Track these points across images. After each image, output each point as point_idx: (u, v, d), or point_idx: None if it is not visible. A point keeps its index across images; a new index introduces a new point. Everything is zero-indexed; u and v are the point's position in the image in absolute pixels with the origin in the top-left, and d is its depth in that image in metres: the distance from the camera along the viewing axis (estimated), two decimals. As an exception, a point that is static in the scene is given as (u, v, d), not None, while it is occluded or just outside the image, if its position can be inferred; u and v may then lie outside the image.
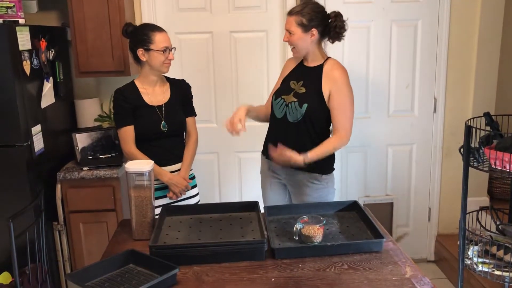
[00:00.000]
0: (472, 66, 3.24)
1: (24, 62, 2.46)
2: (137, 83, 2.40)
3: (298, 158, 2.14)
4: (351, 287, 1.53)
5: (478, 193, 3.32)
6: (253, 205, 2.05)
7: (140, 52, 2.31)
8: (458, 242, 2.21)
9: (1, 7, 2.43)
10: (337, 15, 2.23)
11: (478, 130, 2.06)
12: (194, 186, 2.55)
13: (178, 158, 2.46)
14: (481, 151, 2.10)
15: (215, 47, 3.21)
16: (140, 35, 2.31)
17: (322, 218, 1.77)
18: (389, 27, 3.20)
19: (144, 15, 3.09)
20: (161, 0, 3.12)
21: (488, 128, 2.15)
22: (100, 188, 2.73)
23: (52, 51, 2.79)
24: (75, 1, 2.75)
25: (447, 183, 3.41)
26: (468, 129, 2.07)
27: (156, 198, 2.35)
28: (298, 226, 1.76)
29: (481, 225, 2.30)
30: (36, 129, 2.57)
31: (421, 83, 3.29)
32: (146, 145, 2.37)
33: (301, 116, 2.24)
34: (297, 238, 1.77)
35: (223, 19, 3.17)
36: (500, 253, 2.08)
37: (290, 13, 2.24)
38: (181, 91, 2.48)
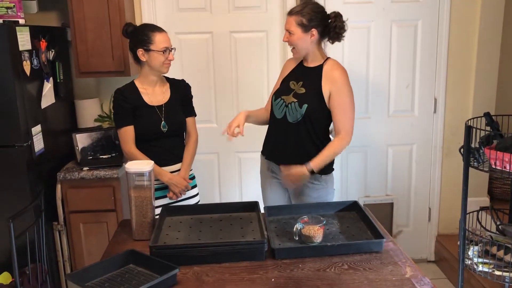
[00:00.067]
0: (472, 66, 3.24)
1: (24, 63, 2.46)
2: (137, 83, 2.40)
3: (304, 170, 2.19)
4: (351, 287, 1.53)
5: (478, 193, 3.32)
6: (253, 205, 2.05)
7: (140, 52, 2.31)
8: (458, 242, 2.21)
9: (1, 7, 2.43)
10: (337, 16, 2.23)
11: (478, 130, 2.05)
12: (194, 186, 2.55)
13: (178, 158, 2.46)
14: (481, 151, 2.10)
15: (215, 47, 3.21)
16: (140, 35, 2.31)
17: (322, 218, 1.77)
18: (389, 27, 3.20)
19: (144, 15, 3.09)
20: (161, 0, 3.12)
21: (488, 128, 2.15)
22: (100, 188, 2.73)
23: (52, 51, 2.79)
24: (75, 1, 2.75)
25: (447, 183, 3.41)
26: (468, 129, 2.07)
27: (156, 198, 2.35)
28: (298, 226, 1.76)
29: (481, 225, 2.30)
30: (36, 129, 2.57)
31: (421, 83, 3.29)
32: (146, 145, 2.37)
33: (301, 116, 2.24)
34: (297, 238, 1.77)
35: (223, 19, 3.17)
36: (500, 253, 2.07)
37: (290, 13, 2.24)
38: (181, 91, 2.48)
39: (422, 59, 3.25)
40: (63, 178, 2.72)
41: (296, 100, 2.25)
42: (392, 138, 3.37)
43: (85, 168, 2.76)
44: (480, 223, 2.31)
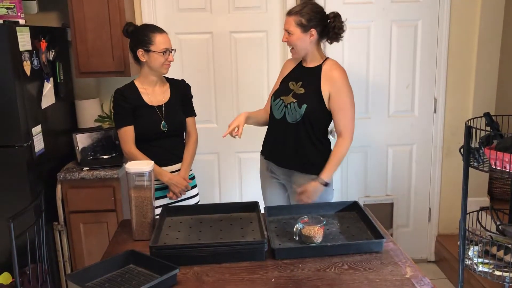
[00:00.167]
0: (472, 66, 3.24)
1: (25, 63, 2.46)
2: (136, 83, 2.40)
3: (317, 185, 2.23)
4: (351, 287, 1.53)
5: (478, 193, 3.32)
6: (253, 206, 2.05)
7: (140, 52, 2.31)
8: (458, 243, 2.21)
9: (2, 7, 2.43)
10: (336, 16, 2.23)
11: (478, 130, 2.06)
12: (194, 186, 2.55)
13: (178, 158, 2.46)
14: (481, 151, 2.10)
15: (215, 47, 3.21)
16: (141, 36, 2.31)
17: (322, 218, 1.77)
18: (389, 28, 3.20)
19: (144, 15, 3.09)
20: (161, 0, 3.12)
21: (488, 128, 2.15)
22: (100, 189, 2.73)
23: (52, 52, 2.79)
24: (75, 2, 2.76)
25: (447, 183, 3.41)
26: (468, 129, 2.07)
27: (156, 198, 2.35)
28: (298, 226, 1.76)
29: (481, 226, 2.30)
30: (37, 129, 2.57)
31: (421, 83, 3.29)
32: (146, 145, 2.38)
33: (300, 117, 2.24)
34: (297, 239, 1.77)
35: (223, 19, 3.17)
36: (500, 253, 2.08)
37: (289, 13, 2.24)
38: (180, 91, 2.48)
39: (422, 59, 3.25)
40: (63, 178, 2.72)
41: (295, 101, 2.25)
42: (392, 138, 3.37)
43: (85, 168, 2.76)
44: (480, 223, 2.31)
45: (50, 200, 2.69)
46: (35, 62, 2.59)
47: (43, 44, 2.67)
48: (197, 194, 2.57)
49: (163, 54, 2.30)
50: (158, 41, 2.29)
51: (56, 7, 3.10)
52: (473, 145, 2.10)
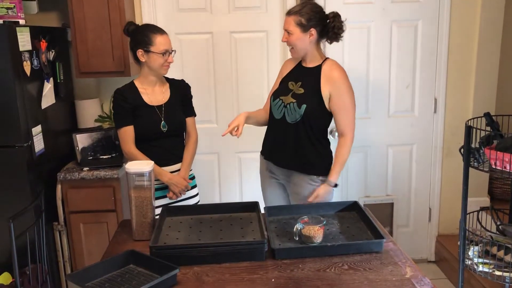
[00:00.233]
0: (472, 66, 3.24)
1: (25, 63, 2.46)
2: (136, 83, 2.40)
3: (328, 188, 2.27)
4: (351, 287, 1.53)
5: (479, 194, 3.32)
6: (253, 206, 2.05)
7: (139, 53, 2.31)
8: (459, 243, 2.21)
9: (2, 7, 2.43)
10: (336, 16, 2.22)
11: (478, 131, 2.06)
12: (194, 186, 2.55)
13: (178, 158, 2.46)
14: (481, 151, 2.10)
15: (215, 48, 3.21)
16: (141, 36, 2.31)
17: (322, 218, 1.77)
18: (389, 28, 3.20)
19: (144, 15, 3.09)
20: (161, 0, 3.12)
21: (488, 128, 2.15)
22: (100, 189, 2.73)
23: (52, 52, 2.79)
24: (75, 2, 2.76)
25: (447, 184, 3.41)
26: (469, 130, 2.07)
27: (156, 198, 2.35)
28: (298, 226, 1.76)
29: (482, 226, 2.30)
30: (37, 129, 2.57)
31: (421, 83, 3.29)
32: (146, 145, 2.38)
33: (299, 117, 2.24)
34: (297, 239, 1.77)
35: (223, 19, 3.17)
36: (501, 253, 2.07)
37: (289, 13, 2.24)
38: (180, 91, 2.48)
39: (422, 59, 3.25)
40: (63, 178, 2.72)
41: (295, 101, 2.25)
42: (392, 138, 3.37)
43: (85, 169, 2.76)
44: (480, 223, 2.31)
45: (50, 200, 2.69)
46: (35, 62, 2.59)
47: (43, 44, 2.67)
48: (197, 194, 2.57)
49: (163, 55, 2.30)
50: (158, 42, 2.29)
51: (56, 7, 3.10)
52: (473, 145, 2.10)
